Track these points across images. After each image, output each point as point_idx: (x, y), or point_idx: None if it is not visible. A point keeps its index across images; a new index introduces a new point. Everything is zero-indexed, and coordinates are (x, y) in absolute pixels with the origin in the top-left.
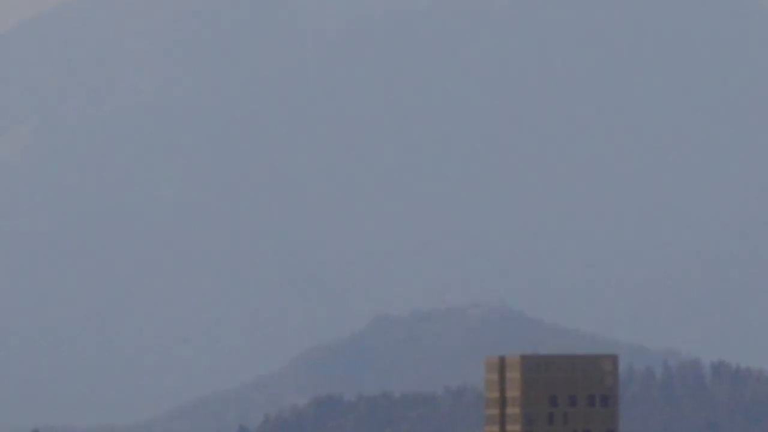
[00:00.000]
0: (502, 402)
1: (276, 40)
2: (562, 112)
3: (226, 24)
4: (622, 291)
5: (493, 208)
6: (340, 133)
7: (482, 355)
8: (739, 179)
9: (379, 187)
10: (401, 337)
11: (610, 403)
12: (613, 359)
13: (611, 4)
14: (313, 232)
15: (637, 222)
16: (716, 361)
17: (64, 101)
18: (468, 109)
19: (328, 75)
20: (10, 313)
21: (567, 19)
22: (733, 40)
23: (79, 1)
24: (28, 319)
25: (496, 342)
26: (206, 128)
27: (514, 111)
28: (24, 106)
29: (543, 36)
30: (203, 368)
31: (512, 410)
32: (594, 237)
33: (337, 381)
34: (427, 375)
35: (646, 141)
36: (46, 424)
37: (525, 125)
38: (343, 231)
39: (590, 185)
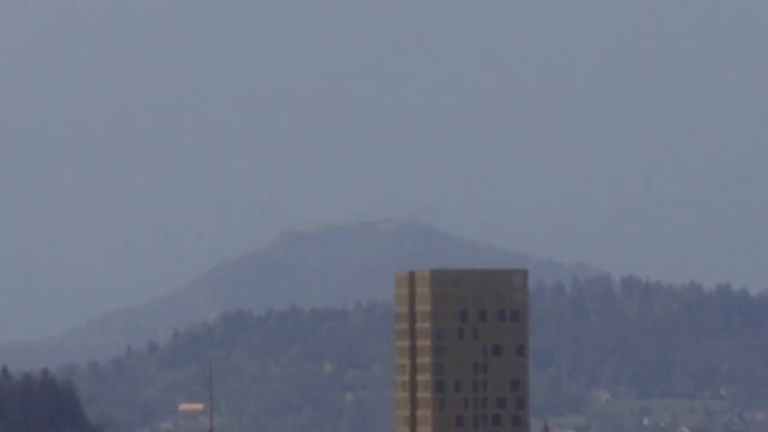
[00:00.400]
0: (412, 317)
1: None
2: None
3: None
4: (532, 206)
5: (405, 127)
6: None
7: (393, 269)
8: (643, 111)
9: (287, 109)
10: (311, 251)
11: (520, 318)
12: (523, 274)
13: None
14: (223, 156)
15: (547, 138)
16: (626, 276)
17: None
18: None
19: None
20: None
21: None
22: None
23: None
24: None
25: (407, 256)
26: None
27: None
28: None
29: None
30: (115, 284)
31: (422, 325)
32: (490, 154)
33: (246, 296)
34: (337, 290)
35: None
36: None
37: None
38: (253, 153)
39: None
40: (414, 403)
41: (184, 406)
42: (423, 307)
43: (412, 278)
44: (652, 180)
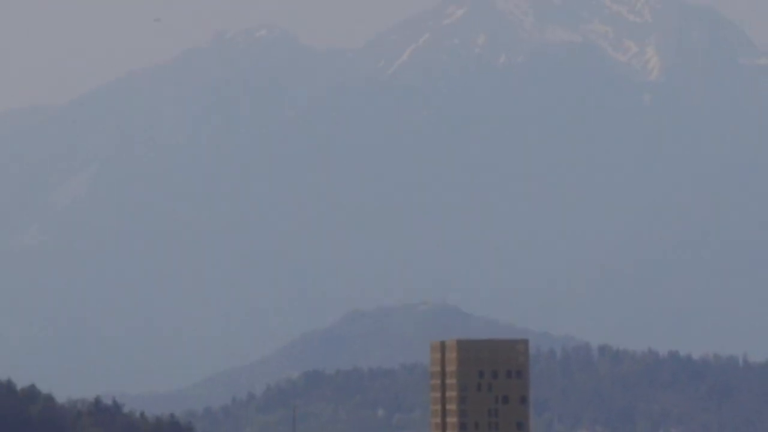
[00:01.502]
0: (443, 375)
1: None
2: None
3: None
4: (532, 292)
5: (435, 233)
6: (326, 167)
7: (429, 339)
8: (622, 205)
9: (356, 212)
10: (369, 326)
11: (522, 376)
12: (525, 343)
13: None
14: (305, 247)
15: (542, 241)
16: (602, 344)
17: (119, 153)
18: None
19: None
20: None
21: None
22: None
23: (129, 78)
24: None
25: (439, 330)
26: (225, 165)
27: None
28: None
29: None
30: (225, 348)
31: (450, 381)
32: (510, 252)
33: (320, 360)
34: (388, 355)
35: (553, 181)
36: (105, 392)
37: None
38: (328, 248)
39: (510, 216)
40: None
41: None
42: (451, 367)
43: (443, 346)
44: (618, 272)
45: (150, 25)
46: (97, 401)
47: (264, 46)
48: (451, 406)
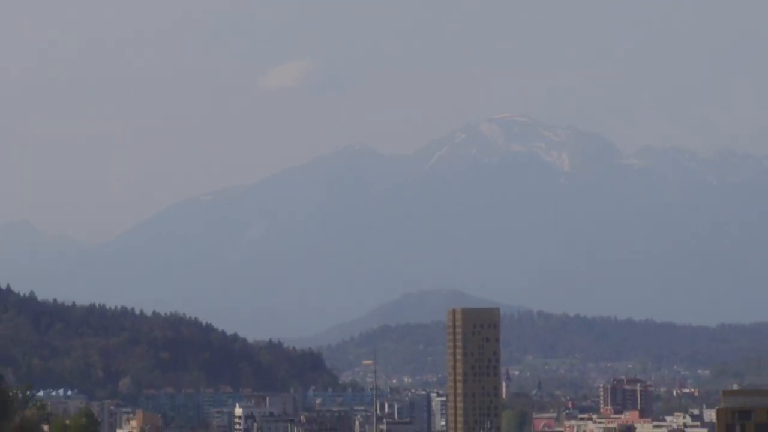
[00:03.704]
0: (454, 327)
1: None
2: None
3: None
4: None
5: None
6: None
7: (446, 309)
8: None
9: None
10: (417, 301)
11: (497, 328)
12: (498, 310)
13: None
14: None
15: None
16: (539, 311)
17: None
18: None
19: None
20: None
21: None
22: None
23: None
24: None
25: (451, 305)
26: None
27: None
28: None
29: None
30: (336, 310)
31: (458, 330)
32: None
33: (391, 318)
34: (426, 314)
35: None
36: (275, 336)
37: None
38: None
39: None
40: None
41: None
42: (458, 323)
43: (454, 311)
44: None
45: (289, 136)
46: (270, 341)
47: (351, 154)
48: (458, 343)
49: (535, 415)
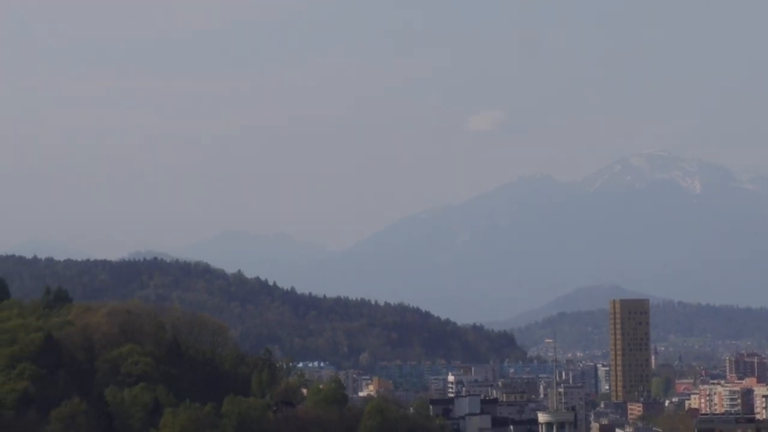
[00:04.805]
0: (614, 314)
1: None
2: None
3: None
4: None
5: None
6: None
7: (608, 299)
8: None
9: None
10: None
11: (646, 314)
12: (647, 301)
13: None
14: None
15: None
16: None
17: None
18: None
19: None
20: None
21: None
22: None
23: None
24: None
25: (611, 297)
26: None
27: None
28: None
29: None
30: (524, 300)
31: (617, 316)
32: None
33: (560, 308)
34: (587, 302)
35: None
36: (478, 320)
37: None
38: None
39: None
40: None
41: (547, 340)
42: (617, 312)
43: (614, 302)
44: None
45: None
46: (474, 324)
47: (532, 181)
48: (618, 326)
49: (677, 381)
